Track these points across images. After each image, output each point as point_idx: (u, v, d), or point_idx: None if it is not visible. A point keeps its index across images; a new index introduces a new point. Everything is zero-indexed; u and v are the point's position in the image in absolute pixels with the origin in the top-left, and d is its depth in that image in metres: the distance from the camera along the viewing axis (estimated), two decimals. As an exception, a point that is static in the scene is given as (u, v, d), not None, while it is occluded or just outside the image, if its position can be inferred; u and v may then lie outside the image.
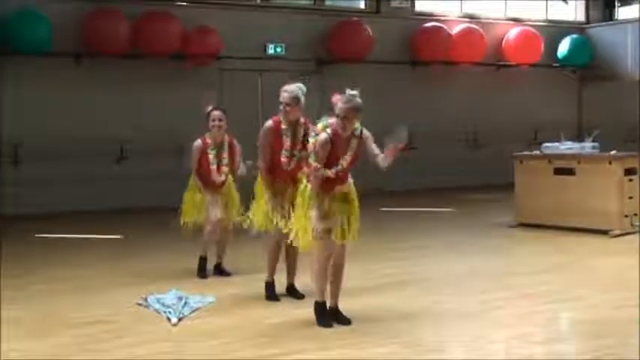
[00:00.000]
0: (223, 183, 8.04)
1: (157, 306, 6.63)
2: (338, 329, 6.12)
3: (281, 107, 6.89)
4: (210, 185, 8.00)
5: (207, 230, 8.06)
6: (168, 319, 6.32)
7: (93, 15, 13.70)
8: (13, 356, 5.47)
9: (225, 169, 8.02)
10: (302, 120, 6.96)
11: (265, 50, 15.36)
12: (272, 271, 7.14)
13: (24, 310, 6.78)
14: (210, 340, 5.88)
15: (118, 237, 11.01)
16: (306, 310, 6.65)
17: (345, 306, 6.68)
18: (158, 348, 5.67)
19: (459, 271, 8.29)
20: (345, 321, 6.23)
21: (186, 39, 14.12)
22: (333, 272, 6.27)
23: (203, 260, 8.12)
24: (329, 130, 6.11)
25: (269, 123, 6.91)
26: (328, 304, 6.28)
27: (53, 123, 13.70)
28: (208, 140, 8.00)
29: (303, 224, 6.18)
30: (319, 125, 6.21)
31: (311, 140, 6.22)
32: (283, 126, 6.88)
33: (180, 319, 6.33)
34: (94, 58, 13.87)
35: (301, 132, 6.91)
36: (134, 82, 14.29)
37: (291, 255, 7.07)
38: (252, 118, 15.01)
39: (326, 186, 6.15)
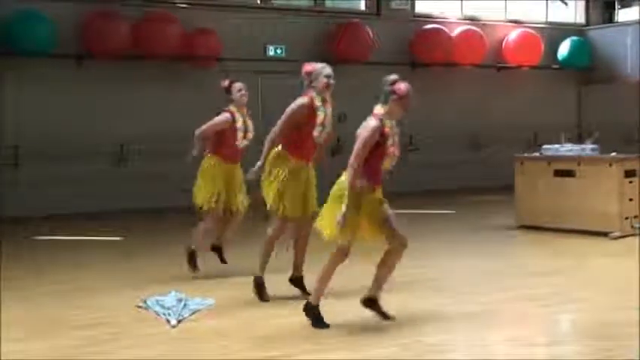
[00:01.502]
0: (242, 152, 8.10)
1: (157, 308, 6.61)
2: (338, 331, 6.10)
3: (321, 83, 6.94)
4: (229, 159, 8.03)
5: (205, 224, 8.06)
6: (168, 321, 6.30)
7: (94, 16, 13.69)
8: (13, 357, 5.46)
9: (250, 135, 8.16)
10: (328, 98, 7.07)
11: (265, 52, 15.34)
12: (264, 266, 7.12)
13: (24, 312, 6.76)
14: (209, 342, 5.87)
15: (119, 238, 11.00)
16: (295, 312, 6.65)
17: (344, 307, 6.68)
18: (158, 350, 5.65)
19: (459, 273, 8.27)
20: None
21: (186, 41, 14.11)
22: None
23: (192, 254, 8.09)
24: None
25: (304, 99, 6.88)
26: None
27: (54, 124, 13.70)
28: (234, 110, 8.09)
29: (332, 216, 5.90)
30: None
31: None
32: (317, 103, 6.94)
33: (179, 321, 6.31)
34: (94, 59, 13.86)
35: (330, 108, 7.06)
36: (134, 83, 14.29)
37: (302, 247, 7.07)
38: (252, 120, 15.02)
39: (370, 183, 6.00)
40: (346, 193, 5.80)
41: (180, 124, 14.39)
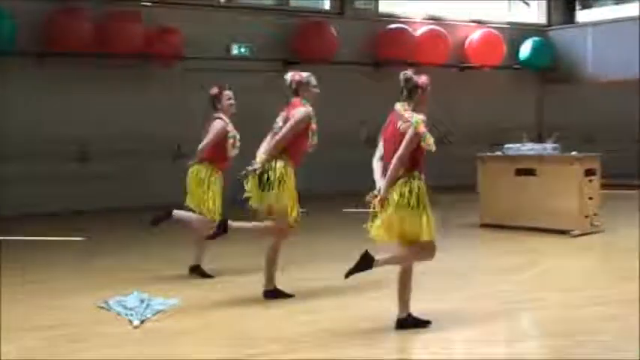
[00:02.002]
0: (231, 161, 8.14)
1: (119, 308, 6.55)
2: (308, 331, 6.09)
3: (313, 93, 7.29)
4: (223, 166, 8.06)
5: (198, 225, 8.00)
6: (130, 322, 6.24)
7: (56, 14, 13.52)
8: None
9: (238, 143, 8.17)
10: None
11: (229, 51, 15.26)
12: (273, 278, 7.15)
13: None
14: (174, 342, 5.83)
15: (82, 238, 10.87)
16: (273, 311, 6.63)
17: (310, 306, 6.68)
18: (121, 351, 5.60)
19: (422, 272, 8.25)
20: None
21: (149, 39, 13.98)
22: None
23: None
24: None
25: (308, 109, 7.13)
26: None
27: (15, 123, 13.50)
28: (225, 118, 8.13)
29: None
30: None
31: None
32: (312, 112, 7.17)
33: (142, 322, 6.25)
34: (57, 57, 13.68)
35: None
36: (97, 82, 14.12)
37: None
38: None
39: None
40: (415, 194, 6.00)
41: (144, 123, 14.34)
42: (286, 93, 7.30)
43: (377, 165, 6.23)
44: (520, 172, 11.09)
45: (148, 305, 6.60)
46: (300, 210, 7.09)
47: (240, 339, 5.91)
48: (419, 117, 6.14)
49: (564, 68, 18.57)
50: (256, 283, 7.55)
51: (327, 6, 16.90)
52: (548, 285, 7.78)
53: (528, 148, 11.52)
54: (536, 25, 19.45)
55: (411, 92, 6.30)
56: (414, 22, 17.27)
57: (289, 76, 7.28)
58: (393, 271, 7.40)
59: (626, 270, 8.41)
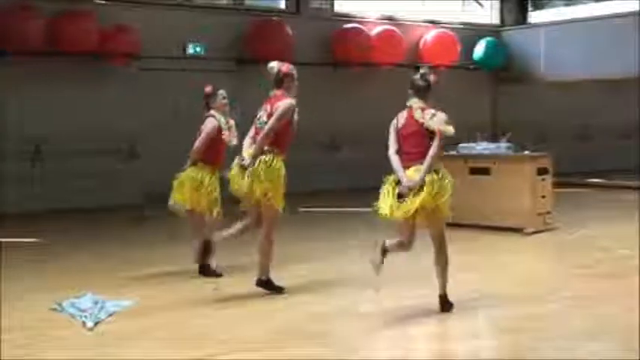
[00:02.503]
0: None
1: (72, 310, 6.42)
2: (263, 331, 6.06)
3: (296, 87, 7.33)
4: (217, 164, 8.02)
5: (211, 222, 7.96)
6: (84, 324, 6.13)
7: (8, 11, 13.26)
8: None
9: (235, 132, 8.12)
10: None
11: (185, 50, 15.15)
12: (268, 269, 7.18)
13: None
14: (128, 344, 5.77)
15: (37, 240, 10.67)
16: (226, 312, 6.59)
17: (263, 306, 6.66)
18: (75, 354, 5.53)
19: (362, 273, 8.24)
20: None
21: (104, 37, 13.79)
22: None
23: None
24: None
25: (292, 100, 7.17)
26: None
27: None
28: (216, 114, 8.12)
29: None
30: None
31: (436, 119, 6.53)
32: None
33: (96, 324, 6.15)
34: (9, 56, 13.41)
35: None
36: (51, 81, 13.88)
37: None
38: (171, 118, 14.85)
39: None
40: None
41: (99, 122, 14.16)
42: (264, 84, 7.29)
43: (395, 157, 6.72)
44: (474, 171, 11.17)
45: (101, 307, 6.49)
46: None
47: (194, 340, 5.87)
48: (442, 115, 6.60)
49: (517, 68, 18.77)
50: (212, 284, 7.53)
51: (282, 5, 16.86)
52: (502, 282, 7.85)
53: (482, 147, 11.62)
54: (490, 26, 19.63)
55: (425, 90, 6.69)
56: (370, 22, 17.31)
57: (276, 65, 7.23)
58: (346, 272, 7.42)
59: (578, 267, 8.55)
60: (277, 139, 7.06)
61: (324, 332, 6.07)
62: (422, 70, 6.79)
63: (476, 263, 8.66)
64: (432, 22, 18.48)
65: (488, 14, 19.83)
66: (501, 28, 19.57)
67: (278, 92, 7.16)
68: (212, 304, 6.87)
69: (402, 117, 6.77)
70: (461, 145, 11.70)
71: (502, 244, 9.87)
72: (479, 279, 8.05)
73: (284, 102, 7.07)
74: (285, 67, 7.23)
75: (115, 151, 14.26)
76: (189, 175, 8.11)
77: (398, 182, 6.57)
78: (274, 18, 15.96)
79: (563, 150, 15.50)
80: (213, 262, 7.94)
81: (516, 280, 8.03)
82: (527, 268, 8.83)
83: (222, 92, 8.22)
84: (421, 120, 6.51)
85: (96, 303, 6.52)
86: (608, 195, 15.54)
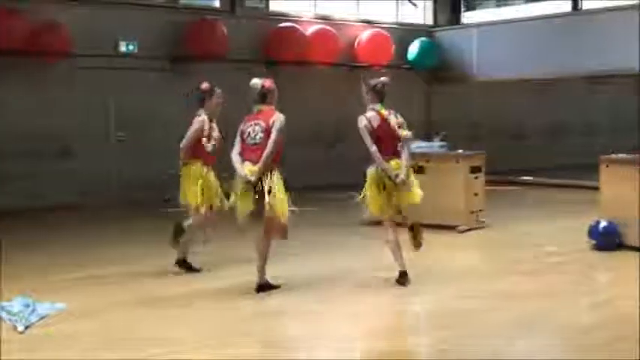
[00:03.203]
0: (214, 155, 8.13)
1: (2, 314, 6.33)
2: (199, 331, 6.05)
3: (274, 99, 7.52)
4: (206, 160, 8.04)
5: (200, 217, 8.02)
6: (15, 327, 6.04)
7: None
8: None
9: (213, 141, 8.13)
10: None
11: (117, 48, 14.96)
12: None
13: None
14: (61, 347, 5.69)
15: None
16: (165, 312, 6.61)
17: (205, 310, 6.64)
18: (8, 357, 5.42)
19: (315, 270, 8.35)
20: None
21: (33, 35, 13.51)
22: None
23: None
24: None
25: (282, 115, 7.45)
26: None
27: None
28: (204, 115, 8.13)
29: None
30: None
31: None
32: None
33: (27, 327, 6.07)
34: None
35: None
36: (-22, 79, 13.58)
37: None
38: (103, 116, 14.66)
39: None
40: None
41: (31, 121, 13.87)
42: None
43: (379, 155, 7.56)
44: (408, 170, 11.27)
45: (33, 310, 6.41)
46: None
47: (131, 340, 5.83)
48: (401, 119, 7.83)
49: (450, 68, 19.02)
50: (151, 284, 7.49)
51: (217, 4, 16.78)
52: (435, 279, 7.97)
53: (417, 146, 11.74)
54: (424, 26, 19.85)
55: (384, 95, 7.85)
56: (305, 22, 17.36)
57: (259, 82, 7.40)
58: (274, 272, 7.46)
59: (509, 263, 8.74)
60: (277, 153, 7.31)
61: (261, 331, 6.09)
62: (384, 79, 7.95)
63: (410, 260, 8.71)
64: (367, 22, 18.62)
65: (422, 15, 20.04)
66: (435, 29, 19.82)
67: (265, 107, 7.35)
68: (148, 306, 6.83)
69: (374, 120, 7.70)
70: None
71: (435, 242, 9.94)
72: (412, 275, 8.12)
73: (279, 116, 7.32)
74: (268, 82, 7.43)
75: (48, 151, 13.99)
76: (186, 171, 8.17)
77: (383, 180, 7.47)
78: (209, 17, 15.87)
79: (496, 149, 15.78)
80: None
81: (447, 277, 8.15)
82: (459, 265, 8.97)
83: (219, 91, 8.26)
84: (395, 125, 7.64)
85: (27, 306, 6.43)
86: (540, 193, 15.90)
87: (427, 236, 8.72)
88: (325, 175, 16.47)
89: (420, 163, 11.15)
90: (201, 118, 8.10)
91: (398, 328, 6.42)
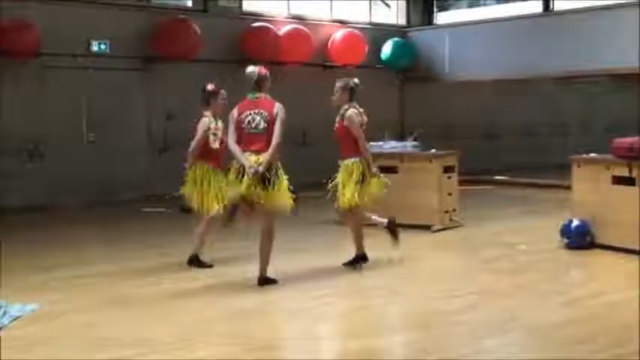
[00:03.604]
0: (220, 153, 8.18)
1: (-26, 316, 6.26)
2: (173, 332, 6.03)
3: (268, 86, 7.60)
4: (213, 160, 8.12)
5: (209, 220, 8.18)
6: (-14, 330, 5.99)
7: None
8: None
9: (218, 139, 8.19)
10: None
11: (89, 47, 14.85)
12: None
13: None
14: (32, 350, 5.65)
15: None
16: (143, 312, 6.60)
17: (174, 309, 6.61)
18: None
19: (290, 269, 8.32)
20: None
21: (3, 34, 13.37)
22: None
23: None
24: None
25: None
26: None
27: None
28: (209, 115, 8.19)
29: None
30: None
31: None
32: None
33: (-1, 329, 6.02)
34: None
35: None
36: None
37: None
38: (76, 116, 14.54)
39: None
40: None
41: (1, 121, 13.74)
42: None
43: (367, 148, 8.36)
44: (382, 170, 11.27)
45: (4, 312, 6.35)
46: None
47: (105, 341, 5.80)
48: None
49: (423, 68, 19.11)
50: (121, 286, 7.45)
51: (189, 3, 16.72)
52: (410, 279, 8.01)
53: (390, 146, 11.80)
54: (397, 26, 19.92)
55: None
56: (278, 21, 17.34)
57: (255, 69, 7.49)
58: (246, 272, 7.46)
59: (481, 263, 8.80)
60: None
61: (233, 331, 6.08)
62: (356, 80, 8.50)
63: (385, 261, 8.77)
64: (341, 21, 18.64)
65: (395, 15, 20.11)
66: (408, 29, 19.89)
67: (262, 95, 7.42)
68: (123, 307, 6.81)
69: (364, 116, 8.48)
70: (369, 144, 11.82)
71: (409, 242, 9.98)
72: (388, 275, 8.18)
73: (279, 105, 7.39)
74: (263, 69, 7.52)
75: (17, 151, 13.86)
76: (192, 174, 8.26)
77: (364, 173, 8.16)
78: (181, 16, 15.80)
79: (468, 148, 15.87)
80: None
81: (423, 277, 8.19)
82: (433, 264, 9.01)
83: (224, 92, 8.32)
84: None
85: (-1, 308, 6.37)
86: (513, 192, 16.02)
87: (401, 236, 8.82)
88: (297, 173, 16.46)
89: (393, 163, 11.23)
90: (206, 119, 8.19)
91: (374, 327, 6.43)
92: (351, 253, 8.46)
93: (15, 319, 6.28)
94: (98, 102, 14.72)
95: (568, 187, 9.96)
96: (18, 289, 7.37)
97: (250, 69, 7.50)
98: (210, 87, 8.28)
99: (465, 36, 18.50)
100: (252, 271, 7.71)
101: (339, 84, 8.47)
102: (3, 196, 13.43)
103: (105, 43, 14.94)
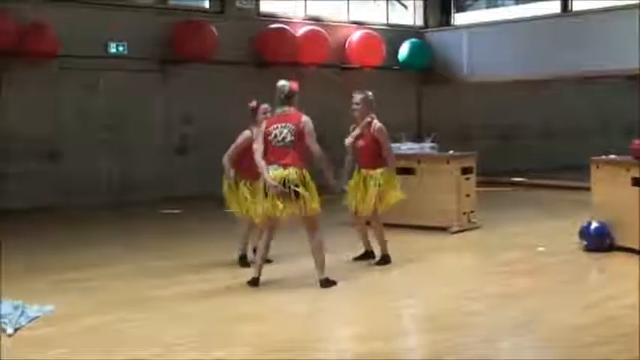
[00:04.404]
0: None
1: (-9, 316, 6.29)
2: (188, 332, 6.04)
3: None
4: (250, 175, 8.00)
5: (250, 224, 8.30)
6: (4, 330, 6.00)
7: None
8: None
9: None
10: None
11: (107, 49, 14.91)
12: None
13: None
14: (54, 349, 5.66)
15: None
16: (153, 314, 6.56)
17: (187, 308, 6.58)
18: (-6, 361, 5.39)
19: (300, 273, 8.25)
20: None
21: (20, 36, 13.43)
22: None
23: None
24: None
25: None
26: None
27: None
28: (255, 131, 8.12)
29: None
30: None
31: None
32: None
33: (16, 330, 6.03)
34: None
35: None
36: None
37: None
38: (94, 117, 14.61)
39: None
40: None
41: (18, 123, 13.80)
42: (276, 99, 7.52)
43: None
44: (399, 172, 11.26)
45: (22, 312, 6.37)
46: None
47: (121, 342, 5.81)
48: None
49: (441, 69, 19.04)
50: (137, 288, 7.45)
51: (207, 5, 16.76)
52: (428, 281, 7.96)
53: (408, 147, 11.76)
54: (414, 27, 19.86)
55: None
56: (295, 23, 17.34)
57: (287, 84, 7.51)
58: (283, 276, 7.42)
59: (500, 265, 8.74)
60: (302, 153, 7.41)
61: (247, 333, 6.08)
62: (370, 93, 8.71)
63: (403, 262, 8.73)
64: (358, 23, 18.62)
65: (413, 16, 20.05)
66: (425, 30, 19.83)
67: (291, 109, 7.44)
68: (131, 309, 6.81)
69: None
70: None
71: (427, 243, 10.00)
72: (405, 277, 8.16)
73: (306, 118, 7.40)
74: (295, 85, 7.54)
75: (34, 153, 13.94)
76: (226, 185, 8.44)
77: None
78: (198, 17, 15.84)
79: (487, 149, 15.81)
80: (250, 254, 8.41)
81: (441, 278, 8.15)
82: (451, 266, 8.98)
83: (264, 107, 8.38)
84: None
85: (16, 308, 6.39)
86: (530, 193, 15.92)
87: (419, 238, 8.81)
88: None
89: (411, 165, 11.20)
90: (247, 134, 8.28)
91: (393, 330, 6.39)
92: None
93: (33, 320, 6.31)
94: (115, 102, 14.78)
95: (587, 189, 9.87)
96: (32, 291, 7.37)
97: (282, 83, 7.53)
98: (251, 104, 8.44)
99: (483, 36, 18.42)
100: (271, 271, 7.71)
101: (360, 96, 8.67)
102: (24, 196, 13.51)
103: (122, 45, 15.00)
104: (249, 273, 7.68)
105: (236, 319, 6.50)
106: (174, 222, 12.49)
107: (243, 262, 8.50)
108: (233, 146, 8.36)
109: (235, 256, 8.53)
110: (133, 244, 10.18)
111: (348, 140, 8.71)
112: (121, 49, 14.99)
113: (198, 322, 6.40)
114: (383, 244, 8.66)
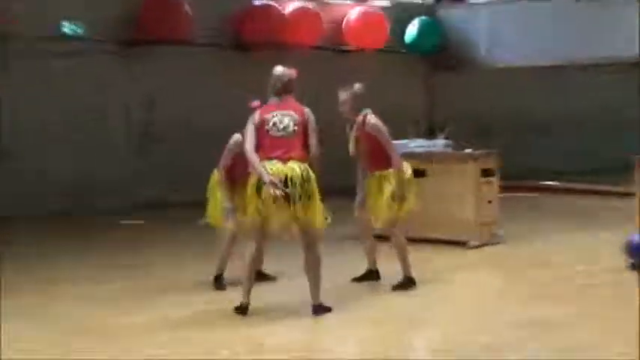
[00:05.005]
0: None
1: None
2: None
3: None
4: (239, 183, 8.14)
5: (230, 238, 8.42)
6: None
7: None
8: None
9: None
10: None
11: (60, 30, 14.69)
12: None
13: None
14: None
15: None
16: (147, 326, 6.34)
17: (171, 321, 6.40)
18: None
19: (301, 295, 8.05)
20: None
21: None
22: None
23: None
24: None
25: None
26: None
27: None
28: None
29: None
30: None
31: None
32: None
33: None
34: None
35: None
36: None
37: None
38: (43, 104, 14.37)
39: None
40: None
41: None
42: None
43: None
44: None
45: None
46: None
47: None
48: None
49: (455, 52, 18.93)
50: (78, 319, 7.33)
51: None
52: (444, 308, 7.87)
53: (417, 144, 11.57)
54: (424, 3, 19.74)
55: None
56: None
57: (285, 71, 7.66)
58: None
59: (531, 286, 8.67)
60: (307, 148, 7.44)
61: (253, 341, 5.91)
62: (359, 85, 8.66)
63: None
64: (357, -1, 18.49)
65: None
66: (437, 6, 19.69)
67: (289, 97, 7.58)
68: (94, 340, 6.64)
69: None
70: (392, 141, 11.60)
71: (441, 262, 9.84)
72: (414, 301, 8.05)
73: (308, 111, 7.56)
74: (293, 72, 7.71)
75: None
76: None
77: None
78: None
79: (510, 148, 15.65)
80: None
81: (458, 303, 8.07)
82: (470, 289, 8.87)
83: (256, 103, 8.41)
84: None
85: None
86: (562, 200, 15.85)
87: (431, 255, 8.68)
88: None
89: (421, 165, 10.90)
90: (237, 138, 8.33)
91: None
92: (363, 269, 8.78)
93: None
94: (67, 88, 14.58)
95: (630, 194, 9.79)
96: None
97: (279, 70, 7.64)
98: (254, 104, 8.28)
99: (505, 14, 18.36)
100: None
101: (345, 93, 8.80)
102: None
103: (79, 26, 14.82)
104: (235, 298, 7.53)
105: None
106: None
107: (219, 284, 8.46)
108: (225, 152, 8.42)
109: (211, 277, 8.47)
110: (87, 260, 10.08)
111: (351, 149, 8.70)
112: (78, 30, 14.80)
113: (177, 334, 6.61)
114: (406, 262, 8.49)
